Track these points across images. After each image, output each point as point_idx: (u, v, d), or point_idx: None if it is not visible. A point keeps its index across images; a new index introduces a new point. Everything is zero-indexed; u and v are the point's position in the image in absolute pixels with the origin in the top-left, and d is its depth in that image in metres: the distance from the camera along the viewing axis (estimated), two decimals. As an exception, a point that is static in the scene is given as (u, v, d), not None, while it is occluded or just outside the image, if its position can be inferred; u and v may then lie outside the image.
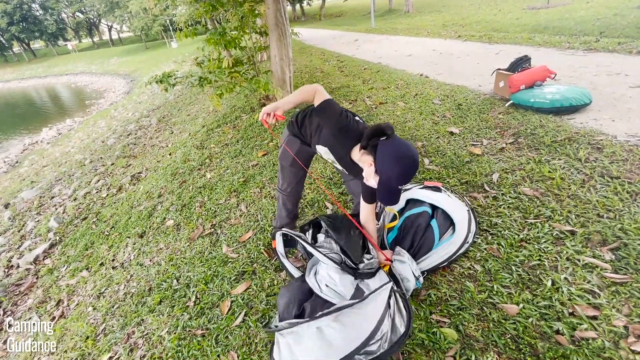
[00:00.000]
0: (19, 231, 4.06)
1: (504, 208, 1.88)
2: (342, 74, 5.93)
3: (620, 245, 1.49)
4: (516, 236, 1.67)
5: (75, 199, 4.41)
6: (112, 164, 5.28)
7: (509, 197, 1.95)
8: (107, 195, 4.14)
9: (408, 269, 1.53)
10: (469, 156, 2.45)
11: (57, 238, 3.49)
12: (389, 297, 1.35)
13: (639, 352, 1.12)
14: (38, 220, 4.19)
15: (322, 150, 1.50)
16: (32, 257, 3.24)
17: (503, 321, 1.32)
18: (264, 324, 1.60)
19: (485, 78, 4.01)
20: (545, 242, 1.60)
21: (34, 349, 2.14)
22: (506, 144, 2.48)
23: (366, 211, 1.56)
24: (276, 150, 3.37)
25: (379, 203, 1.84)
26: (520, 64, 3.18)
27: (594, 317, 1.25)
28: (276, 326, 1.31)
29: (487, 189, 2.06)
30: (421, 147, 2.71)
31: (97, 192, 4.39)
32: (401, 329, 1.27)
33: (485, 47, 6.04)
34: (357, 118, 1.42)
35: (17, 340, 2.33)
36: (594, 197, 1.78)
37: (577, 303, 1.31)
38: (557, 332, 1.24)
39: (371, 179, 1.24)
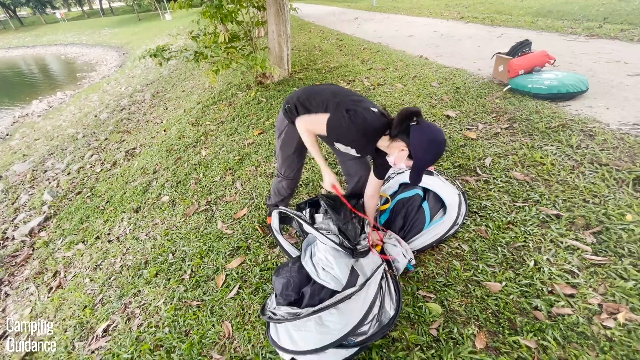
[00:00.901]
0: (12, 204, 4.05)
1: (494, 191, 1.92)
2: (341, 53, 5.81)
3: (602, 229, 1.55)
4: (504, 218, 1.72)
5: (68, 173, 4.39)
6: (106, 139, 5.22)
7: (500, 181, 1.99)
8: (102, 170, 4.11)
9: (399, 251, 1.58)
10: (463, 140, 2.47)
11: (52, 211, 3.49)
12: (381, 279, 1.41)
13: (609, 328, 1.19)
14: (32, 194, 4.17)
15: (341, 147, 1.46)
16: (27, 229, 3.25)
17: (486, 297, 1.38)
18: (260, 308, 1.65)
19: (485, 62, 3.97)
20: (531, 224, 1.66)
21: (32, 315, 2.20)
22: (501, 128, 2.50)
23: (376, 186, 1.58)
24: (272, 129, 3.35)
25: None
26: (521, 48, 3.15)
27: (571, 295, 1.32)
28: (274, 313, 1.36)
29: (480, 172, 2.10)
30: (417, 130, 2.72)
31: (91, 166, 4.36)
32: (390, 311, 1.33)
33: (488, 29, 5.93)
34: (373, 108, 1.35)
35: (15, 309, 2.39)
36: (581, 182, 1.82)
37: (557, 282, 1.37)
38: (536, 308, 1.31)
39: (401, 163, 1.28)
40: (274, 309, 1.39)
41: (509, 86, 2.98)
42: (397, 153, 1.27)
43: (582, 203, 1.71)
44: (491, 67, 3.59)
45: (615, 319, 1.21)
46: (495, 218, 1.74)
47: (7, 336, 2.17)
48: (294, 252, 1.69)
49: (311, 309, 1.27)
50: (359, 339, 1.24)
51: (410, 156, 1.23)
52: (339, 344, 1.21)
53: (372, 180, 1.57)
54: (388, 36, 6.59)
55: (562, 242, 1.53)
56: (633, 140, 2.04)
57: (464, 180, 2.07)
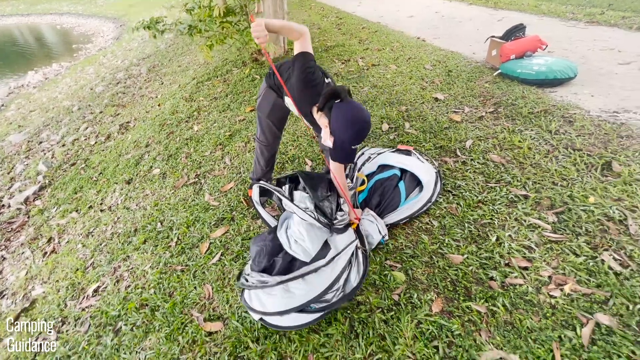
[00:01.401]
0: (8, 173, 4.12)
1: (470, 172, 1.99)
2: (340, 32, 5.72)
3: (565, 209, 1.63)
4: (475, 197, 1.80)
5: (63, 145, 4.43)
6: (101, 112, 5.22)
7: (477, 162, 2.06)
8: (96, 142, 4.16)
9: (375, 227, 1.66)
10: (448, 122, 2.51)
11: (47, 181, 3.57)
12: (351, 255, 1.49)
13: (555, 297, 1.29)
14: (27, 164, 4.23)
15: (288, 102, 1.55)
16: (22, 197, 3.34)
17: (447, 268, 1.48)
18: (237, 275, 1.75)
19: (481, 45, 3.93)
20: (500, 204, 1.74)
21: (27, 277, 2.31)
22: (486, 112, 2.54)
23: (333, 168, 1.63)
24: (264, 106, 3.38)
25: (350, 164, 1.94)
26: (514, 32, 3.13)
27: (525, 268, 1.42)
28: (246, 279, 1.46)
29: (459, 154, 2.16)
30: (404, 112, 2.76)
31: (85, 139, 4.40)
32: (354, 283, 1.42)
33: (490, 12, 5.82)
34: (328, 80, 1.45)
35: (12, 271, 2.50)
36: (553, 166, 1.89)
37: (514, 256, 1.47)
38: (491, 278, 1.41)
39: (328, 140, 1.31)
40: (248, 274, 1.49)
41: (499, 71, 3.00)
42: (323, 129, 1.34)
43: (550, 185, 1.78)
44: (486, 51, 3.58)
45: (561, 290, 1.31)
46: (467, 197, 1.82)
47: (4, 295, 2.29)
48: (273, 223, 1.78)
49: (279, 279, 1.37)
50: (321, 305, 1.34)
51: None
52: (301, 309, 1.31)
53: (330, 163, 1.61)
54: (389, 16, 6.46)
55: (525, 221, 1.62)
56: (609, 127, 2.09)
57: (443, 161, 2.13)
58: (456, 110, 2.66)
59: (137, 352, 1.51)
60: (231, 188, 2.35)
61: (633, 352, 1.10)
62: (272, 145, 1.92)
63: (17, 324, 1.95)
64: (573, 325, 1.20)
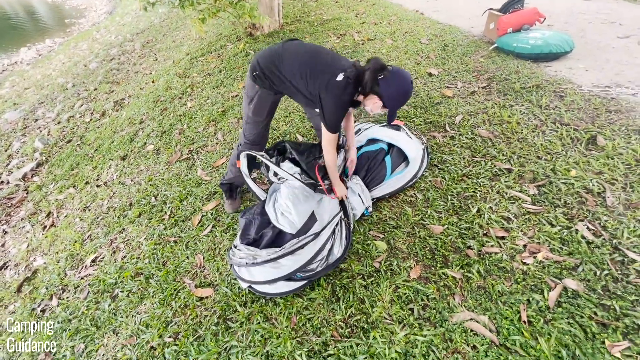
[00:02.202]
0: (5, 150, 4.15)
1: (457, 147, 2.01)
2: (337, 4, 5.55)
3: (546, 182, 1.67)
4: (460, 171, 1.83)
5: (59, 122, 4.43)
6: (95, 89, 5.18)
7: (465, 137, 2.07)
8: (91, 120, 4.16)
9: (358, 200, 1.70)
10: (440, 98, 2.50)
11: (44, 158, 3.60)
12: (335, 225, 1.54)
13: (527, 264, 1.35)
14: (24, 141, 4.26)
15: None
16: (20, 174, 3.39)
17: (427, 238, 1.54)
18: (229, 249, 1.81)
19: (480, 19, 3.83)
20: (483, 177, 1.77)
21: (29, 249, 2.40)
22: (479, 87, 2.52)
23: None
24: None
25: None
26: (513, 4, 3.04)
27: (502, 238, 1.47)
28: (234, 253, 1.50)
29: (448, 129, 2.17)
30: (397, 87, 2.74)
31: (80, 116, 4.39)
32: (337, 254, 1.47)
33: (493, -16, 5.60)
34: (337, 73, 1.38)
35: (13, 244, 2.59)
36: (539, 140, 1.91)
37: (493, 226, 1.52)
38: (469, 247, 1.46)
39: (377, 110, 1.44)
40: (236, 246, 1.54)
41: (495, 45, 2.94)
42: (371, 104, 1.41)
43: (535, 159, 1.81)
44: (484, 24, 3.49)
45: (534, 257, 1.37)
46: (452, 171, 1.85)
47: (7, 266, 2.39)
48: (262, 195, 1.82)
49: (267, 256, 1.40)
50: (307, 274, 1.41)
51: (384, 105, 1.38)
52: (288, 277, 1.38)
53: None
54: (388, -12, 6.23)
55: (506, 193, 1.66)
56: (599, 101, 2.08)
57: (432, 135, 2.15)
58: (449, 85, 2.64)
59: (133, 315, 1.60)
60: (223, 163, 2.38)
61: (595, 313, 1.17)
62: (261, 146, 1.80)
63: (20, 291, 2.05)
64: (542, 290, 1.26)
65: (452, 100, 2.44)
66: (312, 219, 1.54)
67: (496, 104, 2.29)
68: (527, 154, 1.85)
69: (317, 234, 1.47)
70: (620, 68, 2.44)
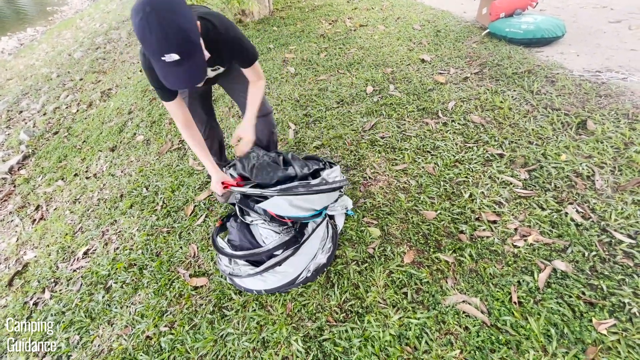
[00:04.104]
0: (-10, 143, 4.04)
1: (449, 133, 2.01)
2: (328, -10, 5.44)
3: (537, 167, 1.68)
4: (452, 157, 1.84)
5: (44, 114, 4.31)
6: (81, 79, 5.03)
7: (458, 123, 2.07)
8: (78, 110, 4.05)
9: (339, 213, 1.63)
10: (433, 84, 2.49)
11: (30, 150, 3.51)
12: (325, 228, 1.51)
13: (518, 247, 1.38)
14: (8, 134, 4.13)
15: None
16: (6, 167, 3.30)
17: (420, 223, 1.55)
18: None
19: (473, 4, 3.80)
20: (476, 162, 1.78)
21: (18, 243, 2.36)
22: (471, 73, 2.52)
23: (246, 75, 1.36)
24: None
25: None
26: (506, -12, 3.01)
27: (494, 222, 1.49)
28: (229, 274, 1.46)
29: (441, 115, 2.17)
30: (390, 74, 2.72)
31: (66, 107, 4.28)
32: (323, 260, 1.44)
33: (485, -32, 5.54)
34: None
35: (2, 239, 2.54)
36: (531, 126, 1.92)
37: (484, 211, 1.54)
38: (461, 232, 1.48)
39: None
40: (220, 251, 1.48)
41: (488, 30, 2.92)
42: None
43: (526, 144, 1.82)
44: (476, 9, 3.46)
45: (525, 240, 1.39)
46: (444, 157, 1.86)
47: (-3, 261, 2.35)
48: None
49: (249, 272, 1.40)
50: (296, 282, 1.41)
51: None
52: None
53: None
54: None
55: (498, 178, 1.67)
56: (590, 86, 2.10)
57: (424, 122, 2.14)
58: (441, 71, 2.63)
59: (127, 306, 1.60)
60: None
61: (583, 293, 1.20)
62: (208, 138, 1.64)
63: (12, 285, 2.02)
64: (532, 271, 1.29)
65: (444, 87, 2.44)
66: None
67: (488, 89, 2.29)
68: (519, 139, 1.86)
69: (307, 239, 1.44)
70: (611, 53, 2.45)
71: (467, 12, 3.64)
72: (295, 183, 1.40)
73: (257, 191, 1.37)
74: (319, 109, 2.49)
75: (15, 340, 1.67)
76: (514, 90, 2.22)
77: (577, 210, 1.45)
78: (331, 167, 1.64)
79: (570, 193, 1.53)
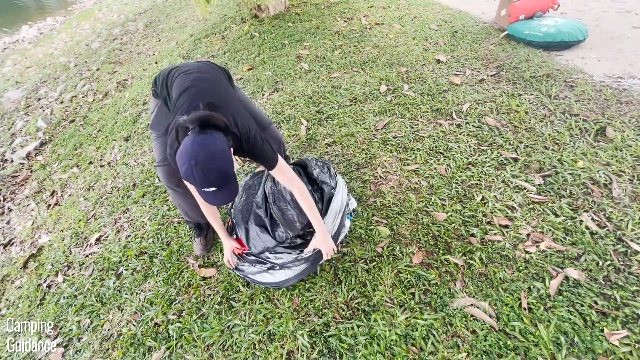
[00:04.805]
0: (9, 129, 4.15)
1: (463, 135, 1.99)
2: (344, -13, 5.40)
3: (552, 172, 1.65)
4: (465, 160, 1.82)
5: (61, 102, 4.40)
6: (98, 69, 5.12)
7: (472, 125, 2.05)
8: (94, 100, 4.13)
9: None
10: (448, 85, 2.46)
11: (47, 137, 3.60)
12: None
13: (530, 252, 1.36)
14: (27, 120, 4.24)
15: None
16: (24, 153, 3.39)
17: (431, 225, 1.54)
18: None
19: (491, 5, 3.73)
20: (489, 166, 1.76)
21: (34, 227, 2.42)
22: (487, 75, 2.48)
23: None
24: (262, 65, 3.30)
25: None
26: (527, -10, 2.95)
27: (506, 226, 1.47)
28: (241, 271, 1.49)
29: (455, 117, 2.15)
30: (404, 73, 2.69)
31: (83, 96, 4.36)
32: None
33: (506, -31, 5.43)
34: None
35: (19, 222, 2.61)
36: (547, 130, 1.88)
37: (497, 215, 1.52)
38: (472, 235, 1.47)
39: None
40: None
41: (506, 32, 2.87)
42: None
43: (542, 149, 1.79)
44: (495, 10, 3.40)
45: (537, 246, 1.37)
46: (457, 159, 1.84)
47: (13, 243, 2.42)
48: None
49: (255, 271, 1.43)
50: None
51: None
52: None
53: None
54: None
55: (512, 182, 1.65)
56: (610, 92, 2.05)
57: (438, 123, 2.12)
58: (457, 72, 2.60)
59: (137, 293, 1.63)
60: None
61: (595, 302, 1.17)
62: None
63: (26, 267, 2.08)
64: (543, 278, 1.27)
65: (459, 88, 2.40)
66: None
67: (505, 92, 2.25)
68: (534, 144, 1.83)
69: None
70: (634, 59, 2.39)
71: (485, 13, 3.58)
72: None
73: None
74: (331, 106, 2.49)
75: (28, 321, 1.72)
76: (531, 94, 2.18)
77: (592, 219, 1.42)
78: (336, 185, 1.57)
79: (586, 201, 1.50)
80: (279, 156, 1.25)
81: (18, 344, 1.61)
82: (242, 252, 1.49)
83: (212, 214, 1.42)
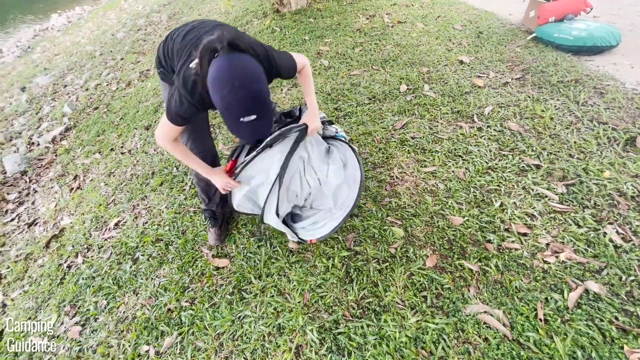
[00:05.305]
0: (36, 113, 4.31)
1: (484, 139, 1.95)
2: (368, -16, 5.34)
3: (576, 182, 1.60)
4: (485, 164, 1.78)
5: (87, 89, 4.54)
6: (122, 59, 5.25)
7: (494, 129, 2.00)
8: (117, 88, 4.24)
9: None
10: (470, 87, 2.41)
11: (72, 123, 3.72)
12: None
13: (549, 263, 1.32)
14: (53, 106, 4.40)
15: None
16: (50, 137, 3.52)
17: (446, 228, 1.52)
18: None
19: (519, 5, 3.62)
20: (509, 171, 1.72)
21: (56, 209, 2.52)
22: (512, 79, 2.41)
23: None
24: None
25: None
26: (558, -9, 2.84)
27: (524, 234, 1.44)
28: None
29: (476, 120, 2.10)
30: (426, 73, 2.65)
31: (107, 84, 4.48)
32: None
33: (536, -31, 5.25)
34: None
35: (43, 203, 2.72)
36: (573, 138, 1.82)
37: (515, 222, 1.48)
38: (488, 241, 1.44)
39: None
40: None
41: (534, 34, 2.78)
42: None
43: (566, 157, 1.73)
44: (523, 12, 3.29)
45: (557, 257, 1.33)
46: (477, 162, 1.80)
47: (37, 223, 2.52)
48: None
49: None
50: None
51: None
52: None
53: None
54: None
55: (533, 190, 1.60)
56: (643, 101, 1.96)
57: (458, 125, 2.08)
58: (480, 74, 2.53)
59: (152, 278, 1.67)
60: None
61: (616, 318, 1.13)
62: (208, 158, 1.47)
63: (49, 247, 2.17)
64: (561, 290, 1.23)
65: (482, 90, 2.35)
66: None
67: (529, 96, 2.19)
68: (559, 151, 1.77)
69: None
70: (671, 67, 2.27)
71: (512, 14, 3.47)
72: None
73: (243, 163, 1.38)
74: (350, 103, 2.48)
75: (49, 298, 1.79)
76: (558, 100, 2.11)
77: (617, 231, 1.37)
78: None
79: (611, 212, 1.44)
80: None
81: (38, 319, 1.69)
82: (233, 166, 1.42)
83: (186, 153, 1.30)
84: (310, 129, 1.39)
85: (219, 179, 1.36)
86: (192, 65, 1.00)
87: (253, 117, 0.91)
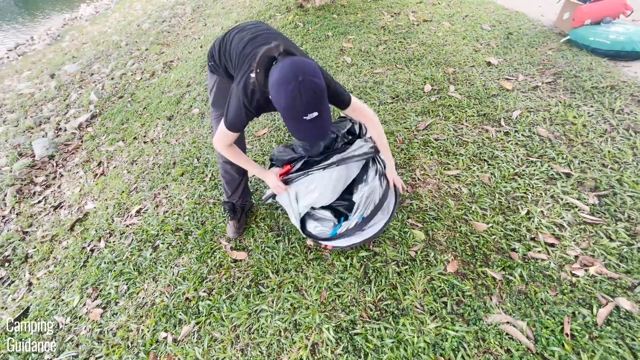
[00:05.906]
0: (64, 100, 4.45)
1: (511, 144, 1.88)
2: (393, -19, 5.25)
3: (609, 193, 1.53)
4: (512, 170, 1.73)
5: (112, 78, 4.66)
6: (147, 50, 5.35)
7: (522, 134, 1.93)
8: (141, 78, 4.33)
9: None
10: (497, 90, 2.34)
11: (97, 110, 3.83)
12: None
13: (577, 276, 1.27)
14: (80, 93, 4.53)
15: None
16: (76, 123, 3.63)
17: (469, 234, 1.48)
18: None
19: (553, 7, 3.48)
20: (537, 179, 1.66)
21: (81, 193, 2.60)
22: (543, 82, 2.32)
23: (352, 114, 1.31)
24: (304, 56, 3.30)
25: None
26: (597, -8, 2.72)
27: (552, 245, 1.39)
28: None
29: (503, 124, 2.04)
30: (451, 74, 2.59)
31: (132, 74, 4.58)
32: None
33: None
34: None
35: (68, 187, 2.81)
36: (607, 147, 1.74)
37: (542, 232, 1.43)
38: (513, 250, 1.39)
39: None
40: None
41: (568, 37, 2.67)
42: None
43: (599, 167, 1.66)
44: (556, 13, 3.17)
45: (586, 270, 1.28)
46: (503, 168, 1.75)
47: (62, 206, 2.60)
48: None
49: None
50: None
51: None
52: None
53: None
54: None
55: (562, 199, 1.54)
56: (686, 111, 1.85)
57: (484, 128, 2.03)
58: (509, 77, 2.45)
59: (171, 267, 1.70)
60: (264, 134, 2.40)
61: (649, 338, 1.08)
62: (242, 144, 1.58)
63: (73, 230, 2.24)
64: (590, 305, 1.19)
65: (510, 94, 2.27)
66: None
67: (561, 102, 2.11)
68: (591, 160, 1.70)
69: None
70: None
71: (544, 16, 3.34)
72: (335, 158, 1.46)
73: (302, 173, 1.48)
74: (372, 102, 2.45)
75: (72, 280, 1.85)
76: (592, 106, 2.02)
77: (652, 247, 1.30)
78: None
79: (647, 227, 1.37)
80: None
81: (62, 299, 1.75)
82: (289, 171, 1.53)
83: (240, 154, 1.38)
84: (399, 185, 1.53)
85: (271, 180, 1.48)
86: (252, 74, 1.05)
87: (315, 114, 0.94)
